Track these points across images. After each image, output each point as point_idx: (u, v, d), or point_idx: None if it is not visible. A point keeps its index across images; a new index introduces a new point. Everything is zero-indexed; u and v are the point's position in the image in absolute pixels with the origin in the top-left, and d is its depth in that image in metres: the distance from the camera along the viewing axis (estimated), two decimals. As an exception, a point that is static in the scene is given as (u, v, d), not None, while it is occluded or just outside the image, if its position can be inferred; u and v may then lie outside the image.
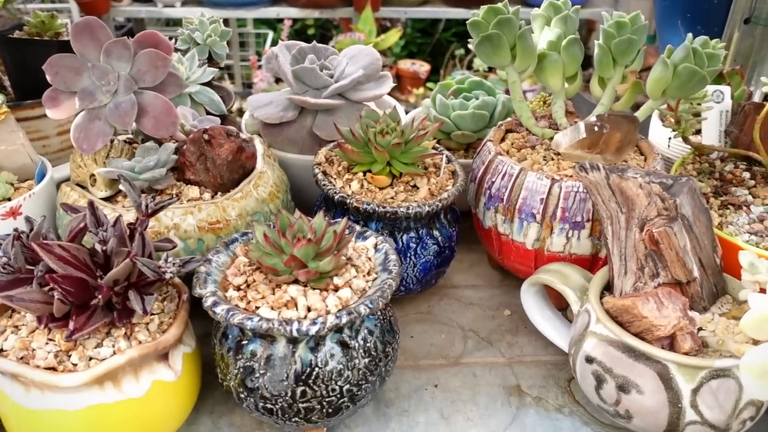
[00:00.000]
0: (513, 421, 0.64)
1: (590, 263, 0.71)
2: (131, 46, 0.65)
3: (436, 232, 0.71)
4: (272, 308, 0.53)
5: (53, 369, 0.51)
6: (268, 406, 0.54)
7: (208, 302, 0.52)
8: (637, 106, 0.77)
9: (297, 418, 0.55)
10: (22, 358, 0.52)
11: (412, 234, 0.70)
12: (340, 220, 0.60)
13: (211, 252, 0.59)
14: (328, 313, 0.53)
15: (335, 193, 0.68)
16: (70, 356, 0.52)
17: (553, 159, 0.73)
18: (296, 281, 0.56)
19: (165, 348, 0.54)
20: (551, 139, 0.76)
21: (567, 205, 0.68)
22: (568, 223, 0.68)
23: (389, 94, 0.97)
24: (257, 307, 0.53)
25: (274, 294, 0.54)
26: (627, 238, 0.61)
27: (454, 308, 0.79)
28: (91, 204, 0.54)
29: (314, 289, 0.55)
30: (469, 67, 2.95)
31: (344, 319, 0.51)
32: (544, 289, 0.72)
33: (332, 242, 0.56)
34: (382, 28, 3.03)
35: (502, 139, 0.79)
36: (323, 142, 0.82)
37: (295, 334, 0.50)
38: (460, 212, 0.79)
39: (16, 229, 0.53)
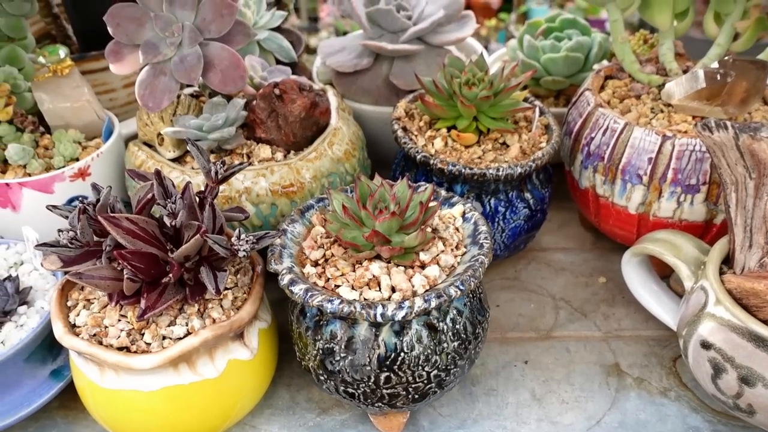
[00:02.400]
0: (612, 405, 0.58)
1: (702, 230, 0.63)
2: (195, -8, 0.60)
3: (527, 195, 0.65)
4: (353, 287, 0.49)
5: (126, 349, 0.49)
6: (350, 390, 0.51)
7: (284, 280, 0.48)
8: (757, 48, 0.67)
9: (380, 404, 0.51)
10: (94, 335, 0.50)
11: (501, 197, 0.63)
12: (424, 184, 0.54)
13: (285, 221, 0.54)
14: (414, 294, 0.48)
15: (417, 152, 0.62)
16: (143, 335, 0.50)
17: (662, 111, 0.64)
18: (378, 257, 0.51)
19: (240, 327, 0.51)
20: (660, 87, 0.67)
21: (680, 165, 0.59)
22: (680, 186, 0.60)
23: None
24: (337, 286, 0.49)
25: (354, 271, 0.50)
26: (755, 207, 0.53)
27: (544, 274, 0.73)
28: (158, 173, 0.50)
29: (398, 266, 0.50)
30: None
31: (433, 303, 0.46)
32: (647, 258, 0.65)
33: (418, 214, 0.50)
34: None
35: (602, 88, 0.70)
36: (400, 92, 0.75)
37: (379, 319, 0.45)
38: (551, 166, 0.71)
39: (81, 201, 0.49)
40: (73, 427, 0.59)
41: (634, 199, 0.63)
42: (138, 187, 0.52)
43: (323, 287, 0.49)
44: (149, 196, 0.50)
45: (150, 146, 0.66)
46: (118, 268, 0.49)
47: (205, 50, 0.61)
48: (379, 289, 0.48)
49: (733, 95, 0.60)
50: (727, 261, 0.57)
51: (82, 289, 0.54)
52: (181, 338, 0.49)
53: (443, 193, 0.57)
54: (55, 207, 0.51)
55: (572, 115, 0.69)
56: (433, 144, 0.64)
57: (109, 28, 0.60)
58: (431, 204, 0.52)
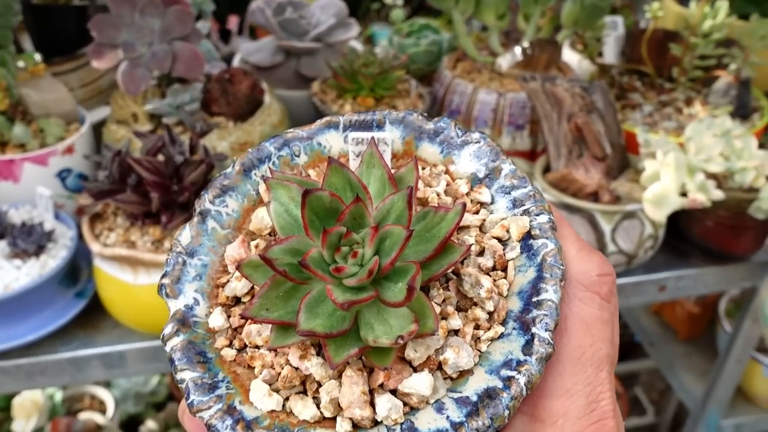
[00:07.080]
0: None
1: (530, 156, 0.93)
2: (160, 4, 0.80)
3: (412, 142, 0.91)
4: (273, 385, 0.27)
5: (153, 254, 0.68)
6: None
7: (167, 345, 0.29)
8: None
9: None
10: (127, 248, 0.68)
11: (395, 144, 0.89)
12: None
13: (211, 185, 0.32)
14: (375, 424, 0.26)
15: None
16: (162, 244, 0.69)
17: (496, 79, 0.94)
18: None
19: (232, 233, 0.72)
20: (493, 63, 0.97)
21: (512, 112, 0.89)
22: (513, 126, 0.89)
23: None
24: (251, 368, 0.28)
25: (272, 368, 0.28)
26: (559, 130, 0.83)
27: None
28: (168, 127, 0.70)
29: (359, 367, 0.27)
30: (386, 20, 3.12)
31: None
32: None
33: (429, 255, 0.27)
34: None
35: (454, 67, 0.99)
36: (307, 79, 0.99)
37: None
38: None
39: (114, 151, 0.68)
40: (92, 339, 0.75)
41: (484, 139, 0.91)
42: (146, 140, 0.71)
43: (233, 363, 0.29)
44: (159, 144, 0.70)
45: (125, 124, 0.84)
46: (139, 197, 0.68)
47: (172, 47, 0.81)
48: (317, 403, 0.27)
49: (539, 64, 0.90)
50: (545, 173, 0.86)
51: (103, 222, 0.72)
52: (191, 243, 0.69)
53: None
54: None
55: (436, 87, 0.96)
56: (343, 109, 0.88)
57: (92, 33, 0.79)
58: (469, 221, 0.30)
